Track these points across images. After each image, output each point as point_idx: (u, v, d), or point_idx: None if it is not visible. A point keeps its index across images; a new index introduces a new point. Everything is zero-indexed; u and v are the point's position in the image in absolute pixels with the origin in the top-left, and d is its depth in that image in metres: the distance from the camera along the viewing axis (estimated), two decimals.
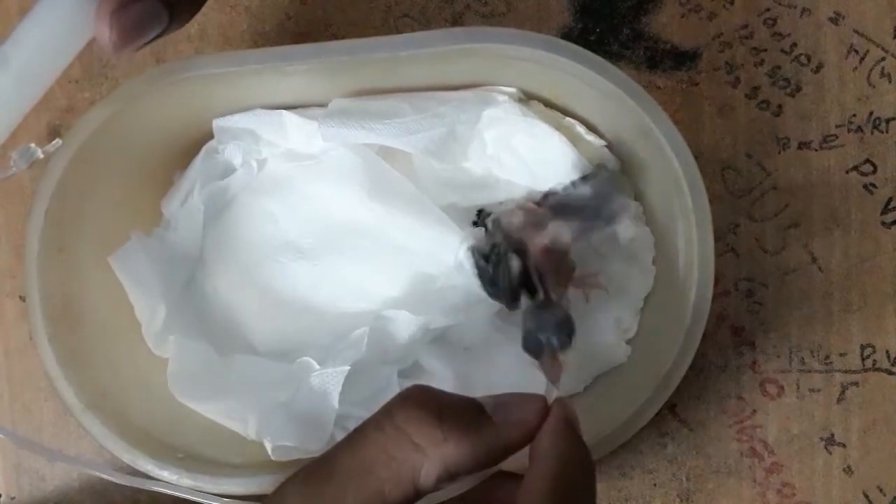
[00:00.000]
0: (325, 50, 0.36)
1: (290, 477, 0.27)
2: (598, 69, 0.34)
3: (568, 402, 0.28)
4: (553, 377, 0.32)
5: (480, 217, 0.40)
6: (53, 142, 0.35)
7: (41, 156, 0.34)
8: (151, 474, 0.37)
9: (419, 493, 0.25)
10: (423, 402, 0.26)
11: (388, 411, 0.26)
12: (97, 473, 0.37)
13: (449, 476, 0.25)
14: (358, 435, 0.26)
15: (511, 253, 0.37)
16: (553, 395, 0.28)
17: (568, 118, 0.39)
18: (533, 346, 0.33)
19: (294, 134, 0.40)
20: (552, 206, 0.38)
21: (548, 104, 0.39)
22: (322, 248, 0.41)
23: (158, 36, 0.29)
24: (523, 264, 0.36)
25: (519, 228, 0.38)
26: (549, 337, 0.33)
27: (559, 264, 0.36)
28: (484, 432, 0.26)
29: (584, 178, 0.38)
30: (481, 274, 0.38)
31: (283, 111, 0.40)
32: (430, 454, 0.25)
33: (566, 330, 0.33)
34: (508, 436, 0.26)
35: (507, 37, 0.35)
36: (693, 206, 0.34)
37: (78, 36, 0.29)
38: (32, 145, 0.34)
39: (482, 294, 0.39)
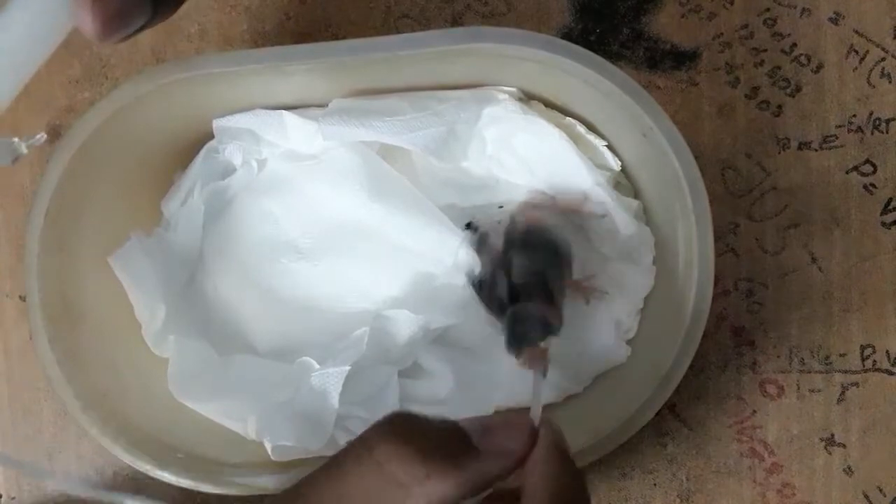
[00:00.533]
0: (325, 50, 0.36)
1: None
2: (598, 69, 0.34)
3: (554, 423, 0.27)
4: (535, 366, 0.31)
5: (469, 229, 0.40)
6: (37, 136, 0.34)
7: (25, 151, 0.33)
8: (151, 474, 0.37)
9: None
10: (404, 435, 0.25)
11: (366, 443, 0.25)
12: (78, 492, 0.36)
13: None
14: (336, 468, 0.25)
15: (499, 272, 0.36)
16: (539, 411, 0.27)
17: (568, 118, 0.39)
18: (513, 345, 0.33)
19: (294, 134, 0.40)
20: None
21: (548, 104, 0.39)
22: (322, 248, 0.41)
23: (142, 28, 0.28)
24: (510, 283, 0.36)
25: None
26: (527, 330, 0.33)
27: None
28: (469, 466, 0.25)
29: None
30: (481, 299, 0.38)
31: (284, 111, 0.40)
32: (414, 492, 0.24)
33: (544, 320, 0.33)
34: (494, 467, 0.25)
35: (507, 37, 0.35)
36: (693, 206, 0.34)
37: (60, 25, 0.29)
38: (16, 140, 0.33)
39: None
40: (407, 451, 0.24)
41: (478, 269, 0.38)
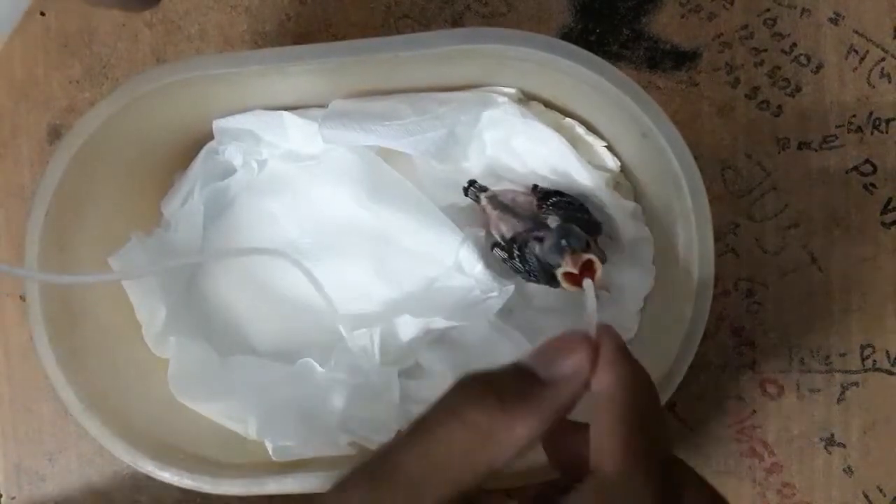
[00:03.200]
0: (326, 50, 0.36)
1: (349, 476, 0.25)
2: (598, 70, 0.34)
3: (611, 329, 0.27)
4: (584, 273, 0.33)
5: (471, 187, 0.40)
6: None
7: None
8: (152, 475, 0.37)
9: (496, 475, 0.25)
10: (480, 390, 0.25)
11: (447, 406, 0.25)
12: None
13: (523, 452, 0.25)
14: (424, 434, 0.25)
15: (531, 241, 0.37)
16: (594, 323, 0.27)
17: (568, 119, 0.39)
18: (554, 262, 0.34)
19: (294, 134, 0.40)
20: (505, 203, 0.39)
21: (548, 105, 0.39)
22: (322, 248, 0.41)
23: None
24: (543, 245, 0.37)
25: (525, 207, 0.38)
26: (569, 240, 0.34)
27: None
28: (544, 403, 0.25)
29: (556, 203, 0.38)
30: (513, 268, 0.39)
31: (284, 112, 0.40)
32: (504, 440, 0.25)
33: (584, 228, 0.35)
34: (566, 394, 0.26)
35: (507, 37, 0.35)
36: (693, 207, 0.34)
37: None
38: None
39: (481, 295, 0.39)
40: (486, 404, 0.25)
41: (499, 231, 0.39)
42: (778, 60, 0.42)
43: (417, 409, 0.40)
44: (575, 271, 0.34)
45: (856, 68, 0.41)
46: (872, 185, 0.41)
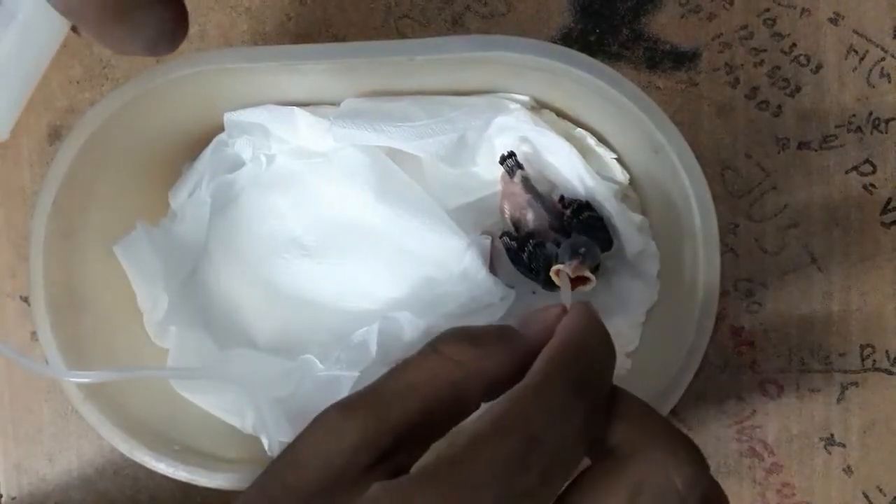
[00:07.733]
0: (341, 51, 0.36)
1: (332, 405, 0.28)
2: (614, 83, 0.34)
3: (588, 303, 0.30)
4: (565, 288, 0.34)
5: (509, 158, 0.39)
6: None
7: None
8: (148, 465, 0.37)
9: (465, 408, 0.27)
10: (461, 332, 0.28)
11: (429, 344, 0.28)
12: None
13: (492, 388, 0.27)
14: (401, 364, 0.28)
15: (549, 243, 0.37)
16: (570, 301, 0.30)
17: (579, 129, 0.39)
18: (560, 260, 0.35)
19: (304, 131, 0.40)
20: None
21: (560, 114, 0.39)
22: (327, 246, 0.41)
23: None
24: (559, 246, 0.37)
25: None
26: (586, 255, 0.35)
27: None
28: (515, 346, 0.28)
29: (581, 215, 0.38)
30: (514, 259, 0.38)
31: (295, 108, 0.40)
32: (471, 369, 0.27)
33: (601, 245, 0.36)
34: (538, 341, 0.28)
35: (524, 46, 0.34)
36: (701, 225, 0.34)
37: (52, 40, 0.28)
38: None
39: (485, 300, 0.39)
40: (462, 339, 0.28)
41: (520, 215, 0.38)
42: (778, 60, 0.42)
43: None
44: (571, 275, 0.34)
45: (855, 68, 0.41)
46: (872, 185, 0.41)
